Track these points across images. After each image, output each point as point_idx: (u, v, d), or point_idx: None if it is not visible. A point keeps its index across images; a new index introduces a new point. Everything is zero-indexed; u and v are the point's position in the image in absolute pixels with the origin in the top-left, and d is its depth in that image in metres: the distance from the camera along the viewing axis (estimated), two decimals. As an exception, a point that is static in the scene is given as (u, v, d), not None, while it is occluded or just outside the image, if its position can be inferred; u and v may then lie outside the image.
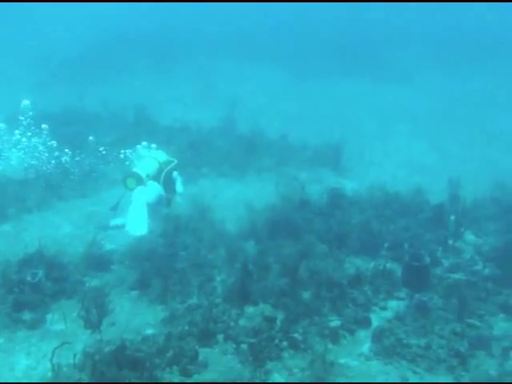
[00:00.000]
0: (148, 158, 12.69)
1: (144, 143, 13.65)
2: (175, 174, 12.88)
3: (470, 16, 44.86)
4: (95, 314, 8.77)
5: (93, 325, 8.75)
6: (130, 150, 13.78)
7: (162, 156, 12.91)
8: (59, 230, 12.63)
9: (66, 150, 15.07)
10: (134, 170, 12.19)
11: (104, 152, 15.11)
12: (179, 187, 13.02)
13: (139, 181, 12.01)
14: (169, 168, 12.68)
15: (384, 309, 9.76)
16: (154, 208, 12.26)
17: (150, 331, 8.89)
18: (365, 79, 30.82)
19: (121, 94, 18.50)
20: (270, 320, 9.04)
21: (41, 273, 9.64)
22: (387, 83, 30.31)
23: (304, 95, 28.01)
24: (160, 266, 10.51)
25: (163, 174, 12.42)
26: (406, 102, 27.26)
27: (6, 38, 33.59)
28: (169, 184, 12.64)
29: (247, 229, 12.18)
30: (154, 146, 13.60)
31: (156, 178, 12.32)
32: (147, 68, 31.07)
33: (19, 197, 13.70)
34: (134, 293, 10.07)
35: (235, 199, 14.21)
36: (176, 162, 12.99)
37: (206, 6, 47.64)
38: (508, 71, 32.21)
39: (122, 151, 13.93)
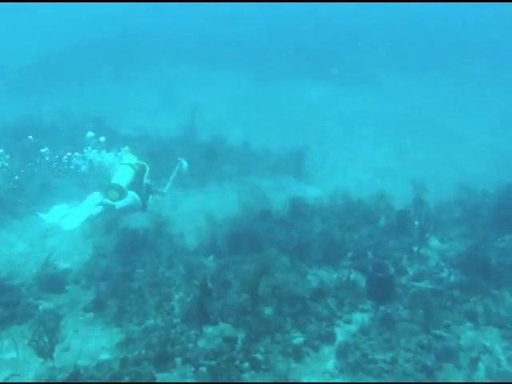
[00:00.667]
0: (122, 164, 12.23)
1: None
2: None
3: (435, 19, 45.19)
4: (47, 340, 8.37)
5: (45, 352, 8.31)
6: (77, 153, 13.32)
7: (132, 158, 12.48)
8: (13, 248, 12.14)
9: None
10: (113, 181, 11.55)
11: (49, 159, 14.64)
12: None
13: (121, 192, 11.23)
14: (147, 174, 12.27)
15: (348, 322, 9.54)
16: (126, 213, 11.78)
17: (105, 356, 8.53)
18: (328, 83, 30.66)
19: (81, 103, 17.95)
20: (231, 340, 8.75)
21: (-11, 299, 9.17)
22: (351, 87, 30.19)
23: (267, 101, 27.73)
24: (116, 285, 10.13)
25: (144, 182, 11.98)
26: (370, 106, 27.14)
27: None
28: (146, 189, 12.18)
29: (207, 243, 11.85)
30: (102, 138, 13.21)
31: (133, 184, 11.63)
32: (108, 76, 30.54)
33: (-30, 215, 13.18)
34: (89, 315, 9.68)
35: (195, 210, 13.86)
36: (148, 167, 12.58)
37: (166, 11, 47.18)
38: (472, 74, 32.45)
39: (68, 154, 13.46)
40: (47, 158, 14.78)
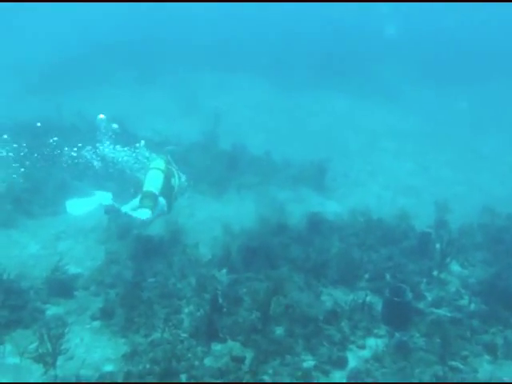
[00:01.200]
0: (151, 169, 12.12)
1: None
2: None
3: (461, 35, 44.59)
4: (52, 347, 8.17)
5: (48, 360, 8.12)
6: (89, 147, 13.27)
7: (159, 163, 12.41)
8: (25, 249, 11.97)
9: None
10: (146, 189, 11.39)
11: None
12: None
13: (154, 199, 11.28)
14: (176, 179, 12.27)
15: (362, 347, 9.20)
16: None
17: (108, 367, 8.30)
18: (352, 94, 30.29)
19: (100, 105, 17.79)
20: (238, 360, 8.46)
21: (-5, 301, 8.99)
22: (375, 99, 29.80)
23: (289, 109, 27.46)
24: (125, 294, 9.90)
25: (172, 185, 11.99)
26: (394, 120, 26.77)
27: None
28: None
29: (221, 255, 11.59)
30: (115, 125, 13.21)
31: (164, 189, 11.63)
32: (128, 79, 30.47)
33: (-16, 212, 13.06)
34: (96, 323, 9.45)
35: (212, 219, 13.64)
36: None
37: (189, 16, 47.01)
38: (498, 91, 31.88)
39: (79, 145, 13.41)
40: (57, 151, 14.75)
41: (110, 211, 10.66)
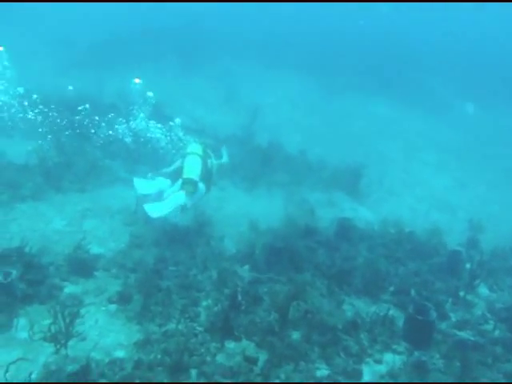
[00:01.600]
0: (190, 155, 12.37)
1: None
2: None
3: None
4: (65, 326, 8.06)
5: (60, 338, 8.01)
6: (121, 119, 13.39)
7: (197, 148, 12.64)
8: (50, 224, 11.90)
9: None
10: (186, 176, 11.90)
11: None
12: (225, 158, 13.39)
13: (195, 185, 11.90)
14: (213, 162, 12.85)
15: (378, 362, 8.92)
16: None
17: (120, 353, 8.15)
18: (396, 102, 29.87)
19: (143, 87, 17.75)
20: (251, 361, 8.25)
21: (14, 273, 8.89)
22: (419, 110, 29.32)
23: (329, 111, 27.18)
24: (145, 280, 9.74)
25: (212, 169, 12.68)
26: (436, 133, 26.27)
27: (34, 21, 33.24)
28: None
29: (245, 251, 11.39)
30: (150, 93, 13.35)
31: (202, 174, 12.16)
32: (171, 64, 30.41)
33: (15, 183, 13.02)
34: (113, 306, 9.31)
35: (240, 214, 13.46)
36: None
37: (241, 9, 46.68)
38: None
39: (111, 115, 13.50)
40: (86, 121, 14.80)
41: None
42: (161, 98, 17.17)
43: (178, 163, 12.75)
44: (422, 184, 19.53)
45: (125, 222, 12.42)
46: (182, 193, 11.77)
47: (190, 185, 11.85)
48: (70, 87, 16.35)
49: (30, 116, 16.04)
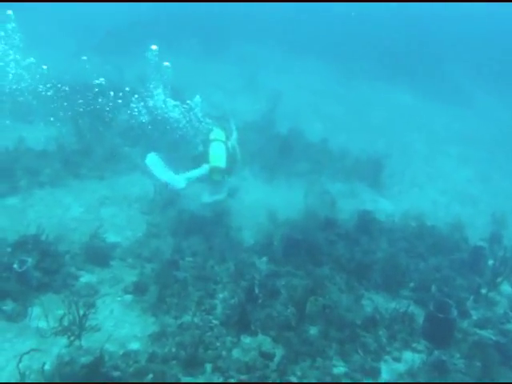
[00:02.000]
0: (214, 142, 12.42)
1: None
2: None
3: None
4: (79, 316, 7.98)
5: (74, 329, 7.94)
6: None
7: (220, 134, 12.75)
8: (68, 211, 11.83)
9: None
10: (214, 164, 11.97)
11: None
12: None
13: (222, 172, 12.09)
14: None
15: (397, 360, 8.71)
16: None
17: (134, 346, 8.06)
18: (420, 92, 29.42)
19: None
20: (267, 356, 8.10)
21: (29, 261, 8.82)
22: (443, 100, 28.85)
23: (352, 99, 26.82)
24: (161, 271, 9.63)
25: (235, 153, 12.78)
26: (459, 125, 25.82)
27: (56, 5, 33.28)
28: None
29: (263, 242, 11.22)
30: (166, 63, 13.74)
31: (228, 161, 12.27)
32: (192, 49, 30.22)
33: (33, 169, 12.96)
34: (128, 297, 9.23)
35: (258, 204, 13.26)
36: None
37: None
38: None
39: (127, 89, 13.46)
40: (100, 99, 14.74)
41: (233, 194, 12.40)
42: (180, 82, 16.98)
43: (199, 149, 12.75)
44: (444, 176, 19.17)
45: (142, 211, 12.32)
46: (206, 166, 11.94)
47: (217, 173, 11.93)
48: (84, 57, 16.34)
49: (41, 91, 16.00)
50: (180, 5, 37.40)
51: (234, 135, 13.19)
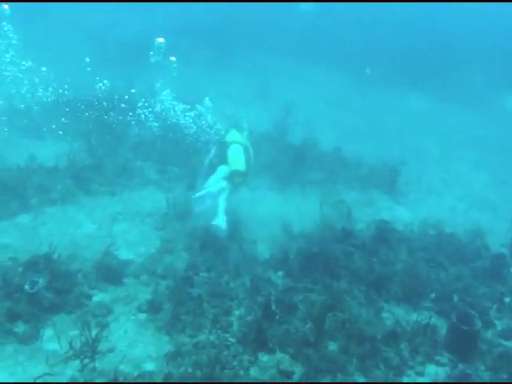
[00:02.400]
0: (232, 144, 12.22)
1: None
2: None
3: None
4: (93, 337, 7.81)
5: (87, 350, 7.75)
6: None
7: (235, 135, 12.65)
8: (79, 228, 11.64)
9: None
10: (234, 167, 11.71)
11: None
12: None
13: (243, 175, 11.91)
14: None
15: (420, 374, 8.46)
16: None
17: (149, 366, 7.86)
18: (433, 96, 29.10)
19: (171, 84, 17.41)
20: (286, 374, 7.87)
21: (41, 282, 8.65)
22: (457, 104, 28.54)
23: (364, 106, 26.57)
24: (175, 288, 9.43)
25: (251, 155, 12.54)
26: (476, 128, 25.46)
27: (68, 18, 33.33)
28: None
29: (279, 255, 10.97)
30: (173, 58, 14.77)
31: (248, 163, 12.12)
32: (203, 59, 30.03)
33: (45, 186, 12.82)
34: (142, 316, 9.03)
35: (273, 215, 12.94)
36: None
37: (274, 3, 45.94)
38: None
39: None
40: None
41: None
42: (190, 91, 16.87)
43: (213, 152, 12.67)
44: (461, 182, 18.82)
45: (156, 226, 12.10)
46: (225, 167, 11.78)
47: (238, 176, 11.75)
48: (87, 59, 16.50)
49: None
50: (192, 14, 37.42)
51: (246, 134, 13.15)
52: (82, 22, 32.65)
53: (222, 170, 11.76)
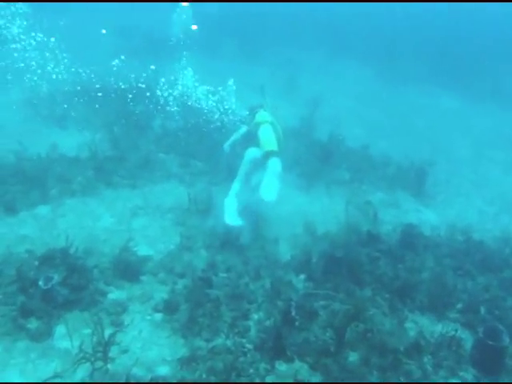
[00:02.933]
0: (263, 125, 12.22)
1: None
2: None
3: None
4: (106, 338, 7.58)
5: (100, 350, 7.53)
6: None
7: (264, 115, 12.59)
8: (98, 221, 11.45)
9: None
10: (267, 148, 11.68)
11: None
12: None
13: (277, 154, 11.77)
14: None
15: (443, 390, 8.10)
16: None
17: (162, 370, 7.61)
18: (464, 95, 28.48)
19: (196, 76, 17.21)
20: (304, 385, 7.57)
21: (55, 278, 8.45)
22: (489, 104, 27.86)
23: (394, 103, 26.06)
24: (193, 289, 9.17)
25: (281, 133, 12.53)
26: (506, 128, 24.80)
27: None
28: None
29: (301, 257, 10.64)
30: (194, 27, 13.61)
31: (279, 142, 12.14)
32: (231, 52, 29.82)
33: (65, 177, 12.65)
34: (158, 316, 8.78)
35: (296, 214, 12.66)
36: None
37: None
38: None
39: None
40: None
41: None
42: (218, 84, 16.65)
43: (241, 131, 12.92)
44: (491, 184, 18.25)
45: (176, 221, 11.85)
46: (254, 149, 11.86)
47: (273, 156, 11.67)
48: (104, 31, 16.60)
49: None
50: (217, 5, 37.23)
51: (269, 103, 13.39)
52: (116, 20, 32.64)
53: (251, 153, 11.79)
